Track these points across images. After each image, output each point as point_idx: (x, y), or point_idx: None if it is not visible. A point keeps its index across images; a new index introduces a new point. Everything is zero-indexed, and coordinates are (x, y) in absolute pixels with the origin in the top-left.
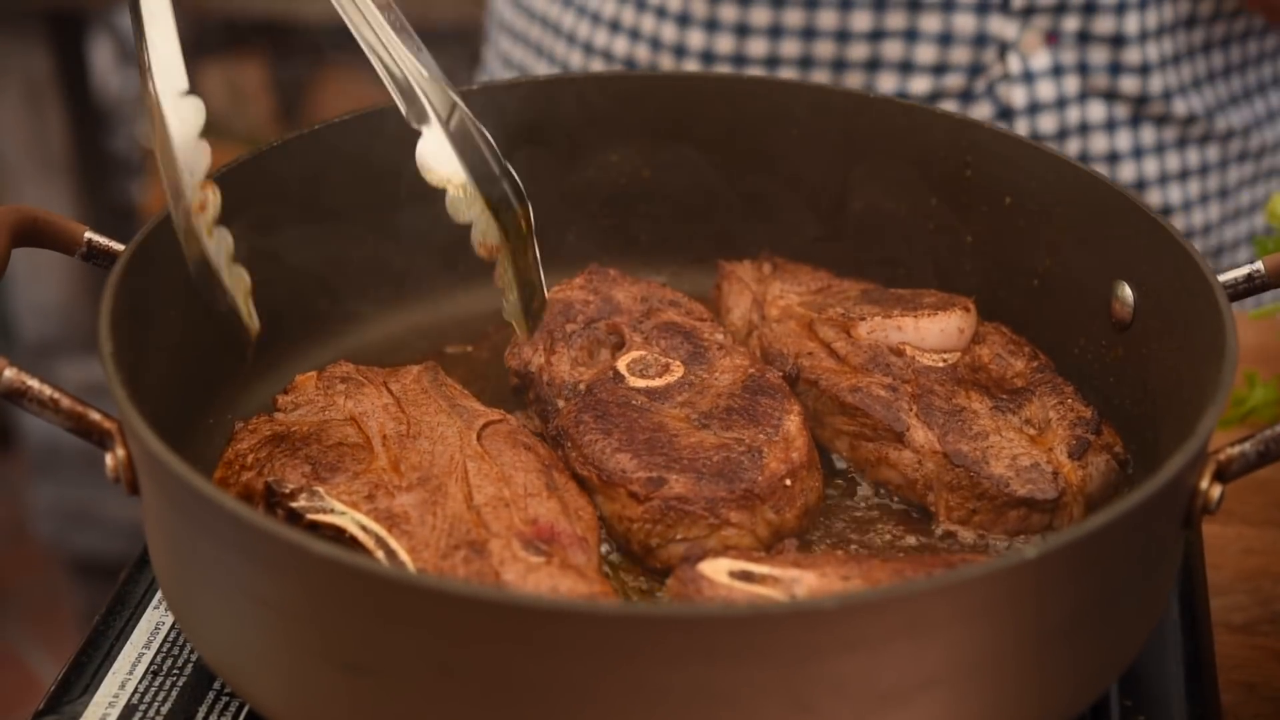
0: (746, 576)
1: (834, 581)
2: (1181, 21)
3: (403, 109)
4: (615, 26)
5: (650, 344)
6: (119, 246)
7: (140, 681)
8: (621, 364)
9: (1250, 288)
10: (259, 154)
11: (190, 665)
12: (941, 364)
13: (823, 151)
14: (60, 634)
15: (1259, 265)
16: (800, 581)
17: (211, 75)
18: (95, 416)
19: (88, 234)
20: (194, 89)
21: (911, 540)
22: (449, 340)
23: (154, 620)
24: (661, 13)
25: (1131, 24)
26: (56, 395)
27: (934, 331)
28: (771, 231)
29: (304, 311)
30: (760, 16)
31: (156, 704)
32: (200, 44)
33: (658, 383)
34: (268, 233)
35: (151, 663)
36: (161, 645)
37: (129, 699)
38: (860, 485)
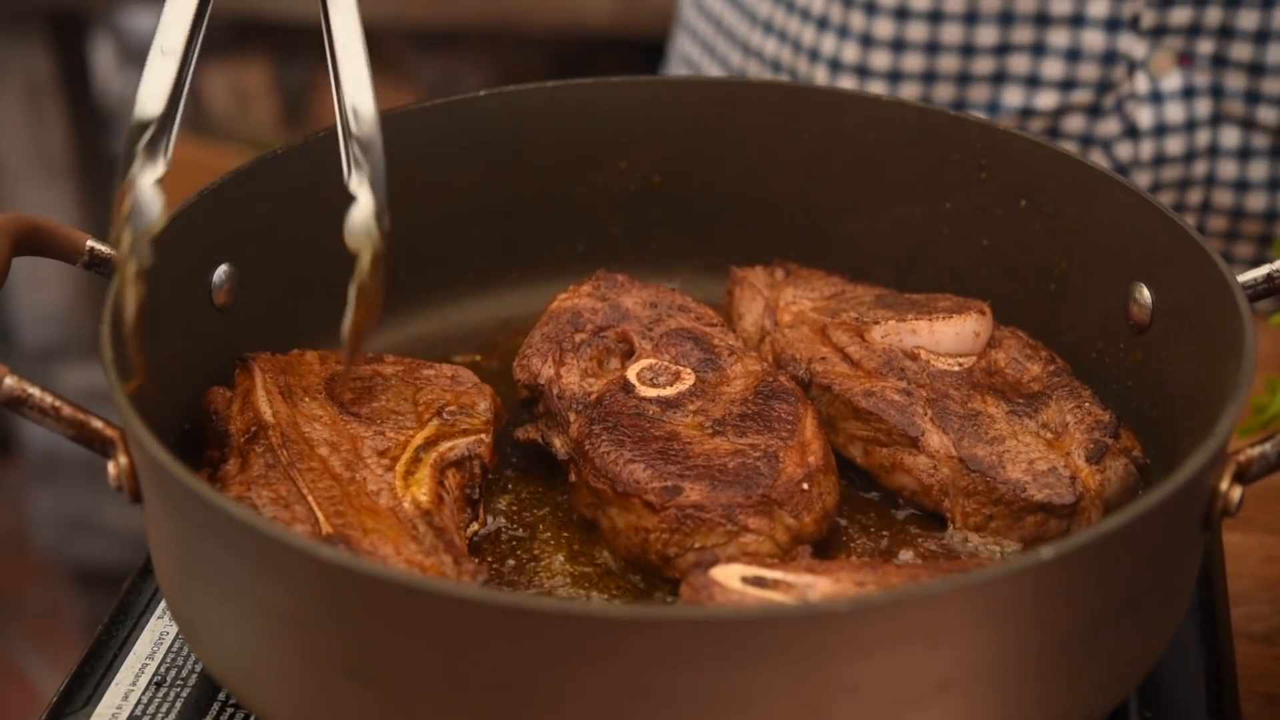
0: (759, 582)
1: (848, 587)
2: None
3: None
4: (768, 27)
5: (660, 351)
6: None
7: (143, 693)
8: (631, 373)
9: (1270, 288)
10: (261, 160)
11: (194, 675)
12: (957, 368)
13: (836, 155)
14: (62, 645)
15: (1279, 265)
16: (814, 587)
17: (215, 77)
18: (97, 424)
19: (90, 242)
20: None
21: (931, 545)
22: (457, 350)
23: (157, 630)
24: (805, 16)
25: (1273, 54)
26: (57, 403)
27: (949, 335)
28: (784, 237)
29: (309, 321)
30: (883, 29)
31: (160, 715)
32: (204, 45)
33: (669, 391)
34: (268, 242)
35: (155, 673)
36: (165, 655)
37: (132, 710)
38: (874, 490)
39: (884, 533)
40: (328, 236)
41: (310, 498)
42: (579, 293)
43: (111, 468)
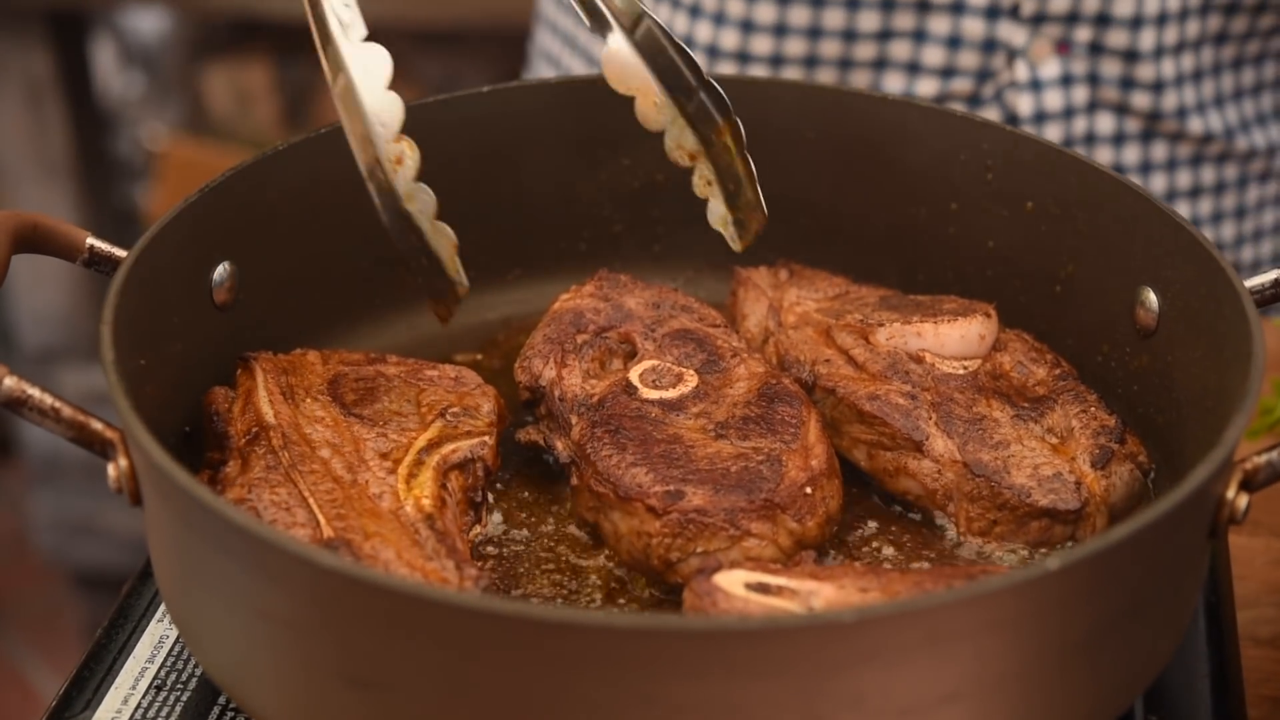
0: (763, 589)
1: (852, 594)
2: (1210, 38)
3: (585, 20)
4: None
5: (663, 352)
6: (121, 253)
7: (143, 696)
8: (634, 375)
9: (1277, 293)
10: (262, 158)
11: (194, 679)
12: (962, 371)
13: (840, 155)
14: (61, 648)
15: None
16: (818, 594)
17: (216, 77)
18: (97, 426)
19: (89, 240)
20: (373, 37)
21: (930, 553)
22: (458, 348)
23: (157, 634)
24: (675, 4)
25: (1146, 40)
26: (57, 404)
27: (954, 338)
28: (788, 236)
29: (310, 319)
30: (765, 13)
31: (160, 719)
32: (205, 45)
33: (671, 394)
34: (269, 240)
35: (155, 677)
36: (165, 659)
37: (132, 714)
38: (878, 495)
39: (888, 538)
40: (328, 234)
41: (311, 500)
42: (581, 293)
43: (111, 470)
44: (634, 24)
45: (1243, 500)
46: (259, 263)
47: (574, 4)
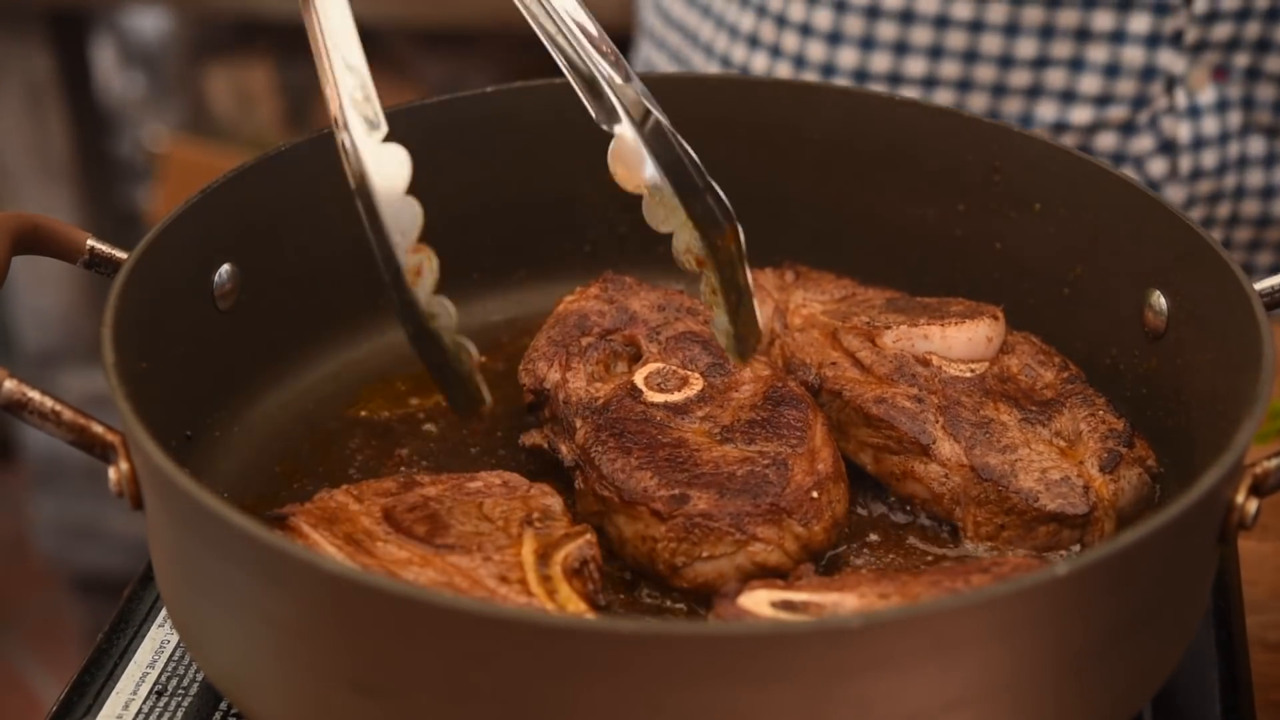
0: (789, 606)
1: (874, 601)
2: None
3: (590, 109)
4: (754, 42)
5: (668, 355)
6: (122, 254)
7: (144, 701)
8: (639, 378)
9: None
10: (264, 159)
11: (196, 685)
12: (969, 374)
13: (847, 156)
14: (62, 652)
15: None
16: (842, 605)
17: (218, 77)
18: (98, 429)
19: (90, 241)
20: (391, 136)
21: (939, 557)
22: None
23: (158, 638)
24: (807, 30)
25: None
26: (58, 407)
27: (961, 341)
28: (794, 238)
29: (312, 322)
30: (921, 36)
31: None
32: (206, 45)
33: (677, 397)
34: (271, 242)
35: (156, 682)
36: (166, 664)
37: (133, 719)
38: (885, 499)
39: (896, 542)
40: (331, 235)
41: None
42: (586, 295)
43: (112, 473)
44: (643, 118)
45: (1252, 505)
46: (261, 265)
47: (575, 87)
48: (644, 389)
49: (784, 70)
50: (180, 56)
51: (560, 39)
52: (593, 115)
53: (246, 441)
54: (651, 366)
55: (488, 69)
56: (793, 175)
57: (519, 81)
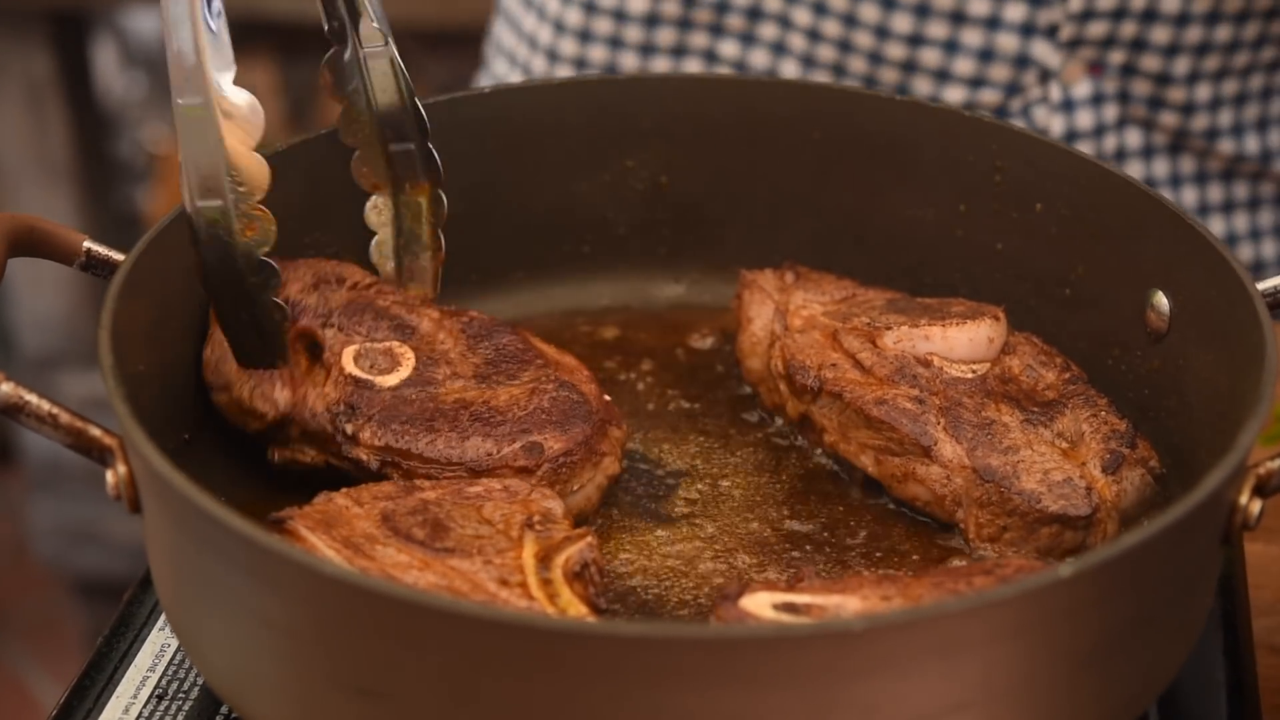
0: (791, 608)
1: (876, 603)
2: (1261, 66)
3: (324, 24)
4: (585, 36)
5: (349, 335)
6: (119, 256)
7: (145, 706)
8: (350, 368)
9: None
10: (265, 160)
11: (196, 689)
12: (970, 375)
13: (846, 156)
14: (62, 656)
15: None
16: (844, 607)
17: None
18: (95, 432)
19: (87, 243)
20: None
21: (942, 556)
22: None
23: (159, 642)
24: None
25: (1181, 66)
26: (55, 410)
27: (963, 341)
28: (794, 239)
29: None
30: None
31: None
32: None
33: (406, 372)
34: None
35: (156, 686)
36: (167, 669)
37: None
38: (886, 502)
39: (898, 545)
40: (331, 236)
41: None
42: None
43: (110, 476)
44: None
45: (1256, 506)
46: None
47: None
48: (369, 377)
49: (630, 60)
50: None
51: None
52: (325, 28)
53: (245, 444)
54: (349, 351)
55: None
56: (791, 176)
57: (517, 81)
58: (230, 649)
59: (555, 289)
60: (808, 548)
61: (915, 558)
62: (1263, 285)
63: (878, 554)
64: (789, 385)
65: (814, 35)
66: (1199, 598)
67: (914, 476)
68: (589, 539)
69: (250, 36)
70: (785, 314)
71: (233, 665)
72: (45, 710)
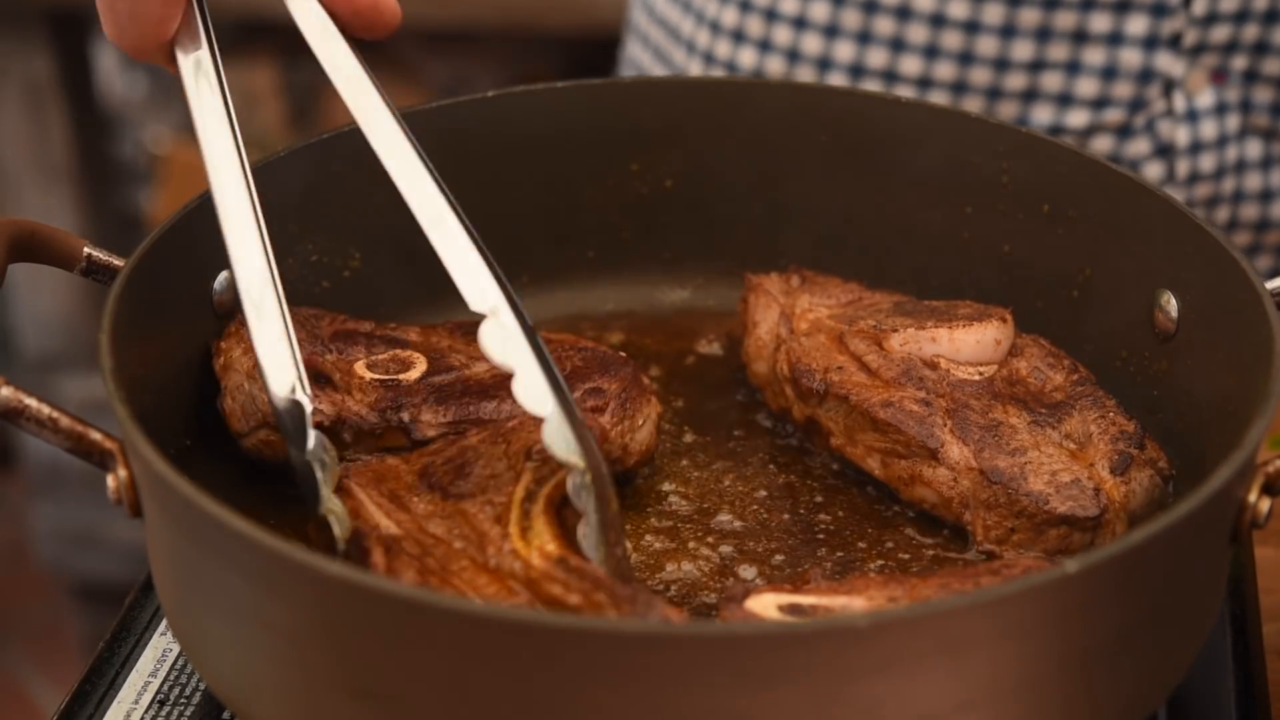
0: (796, 610)
1: (882, 604)
2: None
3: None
4: (739, 37)
5: (350, 358)
6: (119, 261)
7: (146, 711)
8: (371, 376)
9: None
10: (263, 164)
11: (198, 694)
12: (977, 377)
13: (851, 158)
14: (62, 661)
15: None
16: (850, 608)
17: None
18: (95, 436)
19: (87, 249)
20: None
21: (949, 562)
22: None
23: (160, 647)
24: (801, 24)
25: None
26: (55, 414)
27: (969, 343)
28: (797, 242)
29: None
30: (917, 34)
31: None
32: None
33: (423, 366)
34: (271, 246)
35: (158, 692)
36: (168, 674)
37: None
38: (892, 504)
39: (905, 547)
40: (333, 240)
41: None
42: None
43: (110, 481)
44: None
45: (1265, 504)
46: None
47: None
48: (389, 377)
49: (775, 65)
50: None
51: None
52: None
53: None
54: (359, 365)
55: (494, 69)
56: (796, 178)
57: (523, 85)
58: (232, 652)
59: (560, 294)
60: (814, 550)
61: (922, 560)
62: (1271, 284)
63: (884, 556)
64: (795, 389)
65: (925, 79)
66: (1208, 597)
67: (921, 479)
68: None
69: (251, 37)
70: (791, 317)
71: (234, 669)
72: (46, 716)
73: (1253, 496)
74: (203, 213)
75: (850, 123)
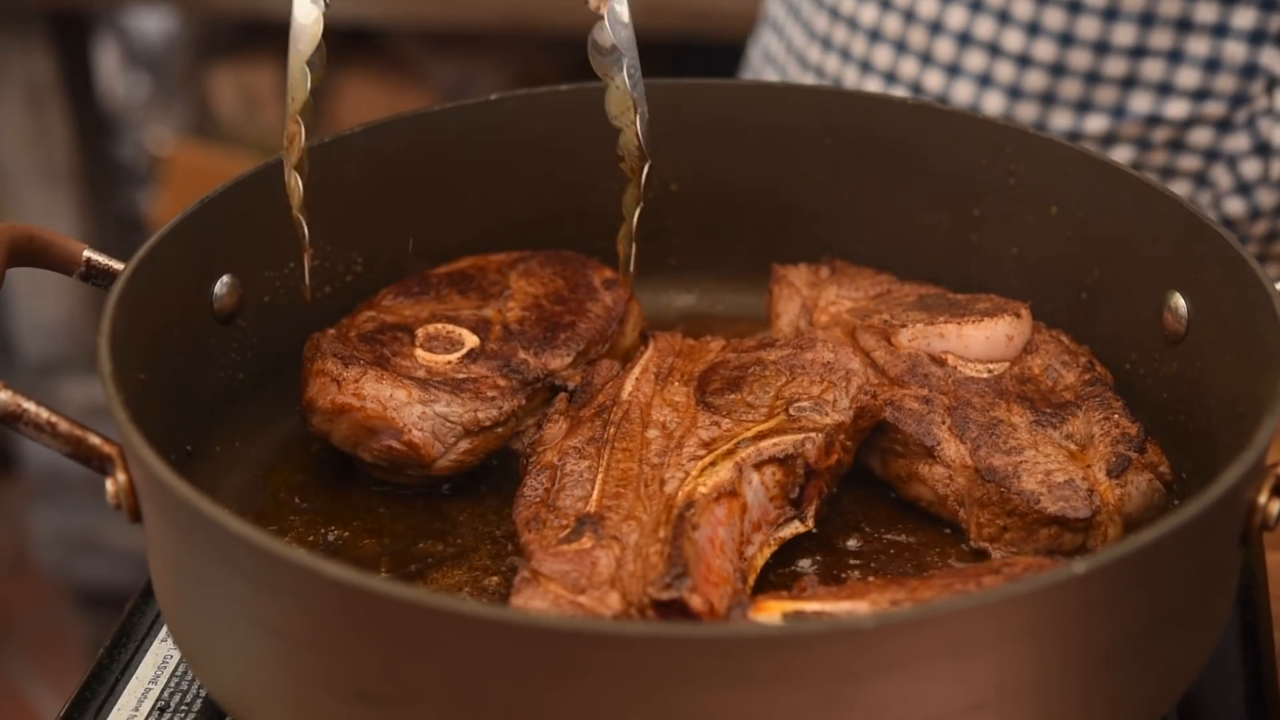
0: (801, 617)
1: (885, 608)
2: None
3: None
4: (902, 47)
5: (396, 351)
6: (119, 265)
7: (146, 718)
8: (447, 357)
9: None
10: (263, 169)
11: (199, 700)
12: (986, 375)
13: (860, 160)
14: (63, 667)
15: None
16: (855, 613)
17: (223, 79)
18: (94, 440)
19: (87, 253)
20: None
21: (947, 560)
22: None
23: (161, 653)
24: (938, 30)
25: None
26: (53, 418)
27: (979, 339)
28: (806, 246)
29: (314, 332)
30: (1021, 8)
31: None
32: (211, 46)
33: (471, 342)
34: (271, 253)
35: (158, 698)
36: (169, 680)
37: None
38: (892, 503)
39: (904, 545)
40: (334, 244)
41: (600, 475)
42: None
43: (110, 485)
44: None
45: (1275, 506)
46: (262, 275)
47: None
48: (457, 350)
49: (874, 84)
50: (184, 58)
51: None
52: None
53: (249, 456)
54: (420, 356)
55: (499, 70)
56: (803, 182)
57: (529, 87)
58: (232, 657)
59: None
60: (816, 552)
61: (921, 559)
62: None
63: (884, 556)
64: None
65: (1024, 58)
66: (1218, 599)
67: (918, 477)
68: (815, 435)
69: (253, 37)
70: (812, 310)
71: (234, 674)
72: None
73: (1263, 498)
74: (201, 218)
75: (856, 125)
